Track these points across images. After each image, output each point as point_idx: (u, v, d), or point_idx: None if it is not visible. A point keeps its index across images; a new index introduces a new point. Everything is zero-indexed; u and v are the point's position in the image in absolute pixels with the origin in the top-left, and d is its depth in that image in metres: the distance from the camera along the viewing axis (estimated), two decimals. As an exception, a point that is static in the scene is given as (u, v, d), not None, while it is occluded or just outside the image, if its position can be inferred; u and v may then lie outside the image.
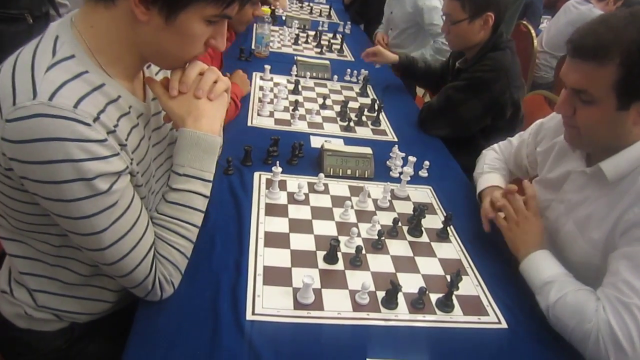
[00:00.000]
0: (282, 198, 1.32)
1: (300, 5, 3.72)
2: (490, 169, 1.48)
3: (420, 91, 3.29)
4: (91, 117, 0.76)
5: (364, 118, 1.88)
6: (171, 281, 0.93)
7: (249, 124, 1.72)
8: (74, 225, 0.80)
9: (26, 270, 0.94)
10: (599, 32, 0.97)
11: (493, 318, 1.06)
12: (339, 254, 1.14)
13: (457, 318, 1.04)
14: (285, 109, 1.87)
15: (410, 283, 1.09)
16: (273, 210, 1.27)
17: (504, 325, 1.05)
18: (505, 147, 1.55)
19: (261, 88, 2.01)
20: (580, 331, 0.97)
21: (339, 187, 1.43)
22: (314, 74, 2.23)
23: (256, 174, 1.41)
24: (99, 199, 0.78)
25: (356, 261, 1.13)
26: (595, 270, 1.07)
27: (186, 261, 0.95)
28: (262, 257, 1.10)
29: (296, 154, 1.51)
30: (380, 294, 1.05)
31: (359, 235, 1.21)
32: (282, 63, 2.30)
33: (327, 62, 2.34)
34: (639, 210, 0.97)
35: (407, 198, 1.44)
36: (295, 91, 2.04)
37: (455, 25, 1.86)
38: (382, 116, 1.95)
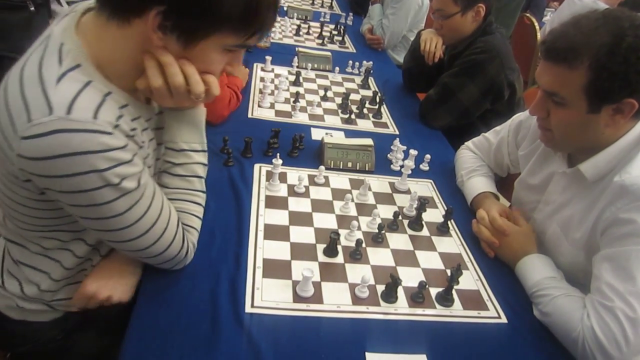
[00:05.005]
0: (282, 190, 1.31)
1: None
2: (473, 173, 1.45)
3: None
4: (111, 125, 0.75)
5: (365, 110, 1.87)
6: (195, 244, 1.00)
7: (249, 115, 1.71)
8: (105, 223, 0.81)
9: (25, 261, 0.94)
10: (570, 34, 0.97)
11: (493, 313, 1.06)
12: (339, 247, 1.14)
13: (457, 312, 1.04)
14: (286, 101, 1.86)
15: (410, 277, 1.09)
16: (273, 202, 1.26)
17: (504, 320, 1.05)
18: (481, 144, 1.52)
19: (262, 79, 1.99)
20: (568, 339, 0.97)
21: (340, 180, 1.42)
22: (315, 66, 2.21)
23: (256, 166, 1.40)
24: (128, 196, 0.79)
25: (356, 254, 1.13)
26: (583, 270, 1.07)
27: (201, 222, 1.02)
28: (262, 250, 1.09)
29: (297, 146, 1.51)
30: (380, 288, 1.05)
31: (359, 228, 1.21)
32: (283, 54, 2.29)
33: (329, 53, 2.32)
34: (616, 209, 0.97)
35: (408, 191, 1.43)
36: (296, 83, 2.02)
37: (447, 19, 1.87)
38: (384, 109, 1.94)
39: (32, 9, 1.76)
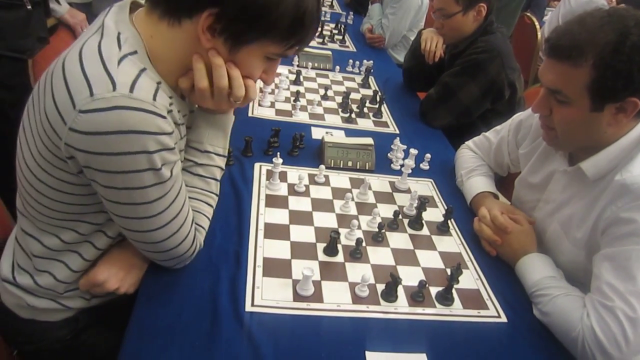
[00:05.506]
0: (282, 189, 1.32)
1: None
2: (473, 173, 1.45)
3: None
4: (166, 109, 0.78)
5: (365, 109, 1.87)
6: (202, 244, 1.00)
7: (249, 114, 1.71)
8: (132, 210, 0.82)
9: (41, 254, 0.94)
10: (574, 32, 0.96)
11: (493, 312, 1.06)
12: (339, 246, 1.14)
13: (457, 312, 1.04)
14: (287, 100, 1.86)
15: (410, 276, 1.09)
16: (273, 201, 1.26)
17: (504, 319, 1.05)
18: (481, 143, 1.52)
19: (262, 78, 1.99)
20: (568, 339, 0.97)
21: (340, 179, 1.42)
22: (316, 65, 2.21)
23: (256, 165, 1.40)
24: (162, 185, 0.81)
25: (356, 253, 1.13)
26: (583, 269, 1.07)
27: (209, 224, 1.03)
28: (262, 249, 1.09)
29: (297, 145, 1.51)
30: (380, 287, 1.05)
31: (359, 227, 1.21)
32: (284, 53, 2.28)
33: (329, 52, 2.32)
34: (617, 208, 0.97)
35: (408, 191, 1.43)
36: (296, 82, 2.02)
37: (449, 18, 1.87)
38: (384, 108, 1.93)
39: (29, 7, 1.76)
